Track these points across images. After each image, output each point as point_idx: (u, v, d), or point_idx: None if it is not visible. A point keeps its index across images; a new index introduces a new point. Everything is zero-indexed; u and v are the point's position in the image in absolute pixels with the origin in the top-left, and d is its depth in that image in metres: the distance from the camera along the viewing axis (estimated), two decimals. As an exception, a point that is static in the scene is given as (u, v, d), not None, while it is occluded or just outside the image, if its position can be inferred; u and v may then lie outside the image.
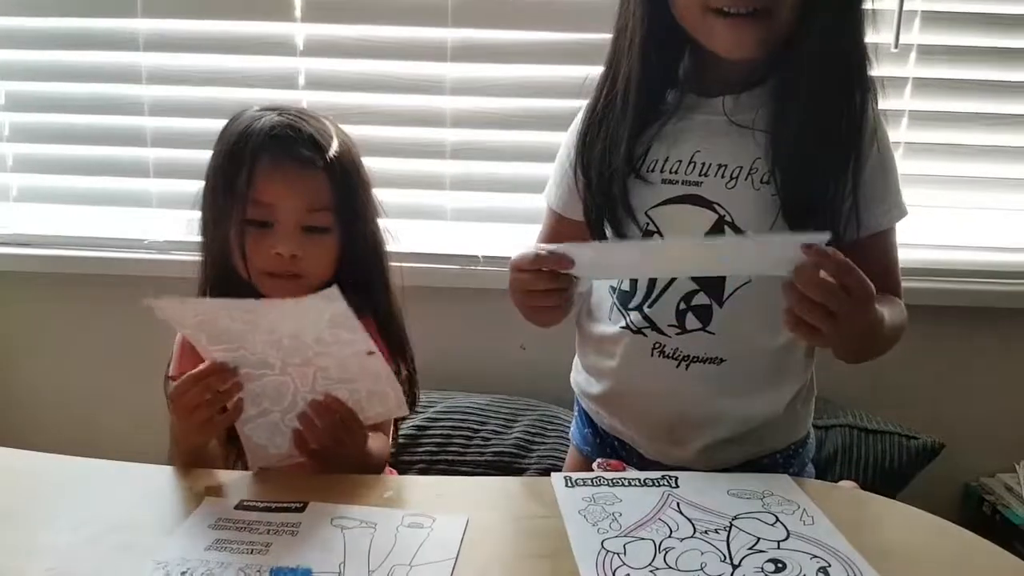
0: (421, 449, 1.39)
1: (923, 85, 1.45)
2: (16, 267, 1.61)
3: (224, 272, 0.99)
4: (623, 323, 0.96)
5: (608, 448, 1.05)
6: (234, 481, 0.86)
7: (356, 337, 0.82)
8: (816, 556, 0.71)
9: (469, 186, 1.54)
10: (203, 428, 0.86)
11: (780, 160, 0.89)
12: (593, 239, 0.97)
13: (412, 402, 1.05)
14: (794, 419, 1.00)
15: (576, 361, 1.08)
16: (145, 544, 0.73)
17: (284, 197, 0.95)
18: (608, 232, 0.96)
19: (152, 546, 0.73)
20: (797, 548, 0.73)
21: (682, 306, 0.93)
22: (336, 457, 0.88)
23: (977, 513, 1.52)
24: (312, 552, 0.72)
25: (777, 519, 0.77)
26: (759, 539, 0.74)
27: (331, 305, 0.78)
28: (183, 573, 0.69)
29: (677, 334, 0.93)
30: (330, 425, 0.87)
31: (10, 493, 0.84)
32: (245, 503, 0.81)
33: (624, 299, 0.97)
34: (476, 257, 1.56)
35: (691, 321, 0.93)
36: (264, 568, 0.70)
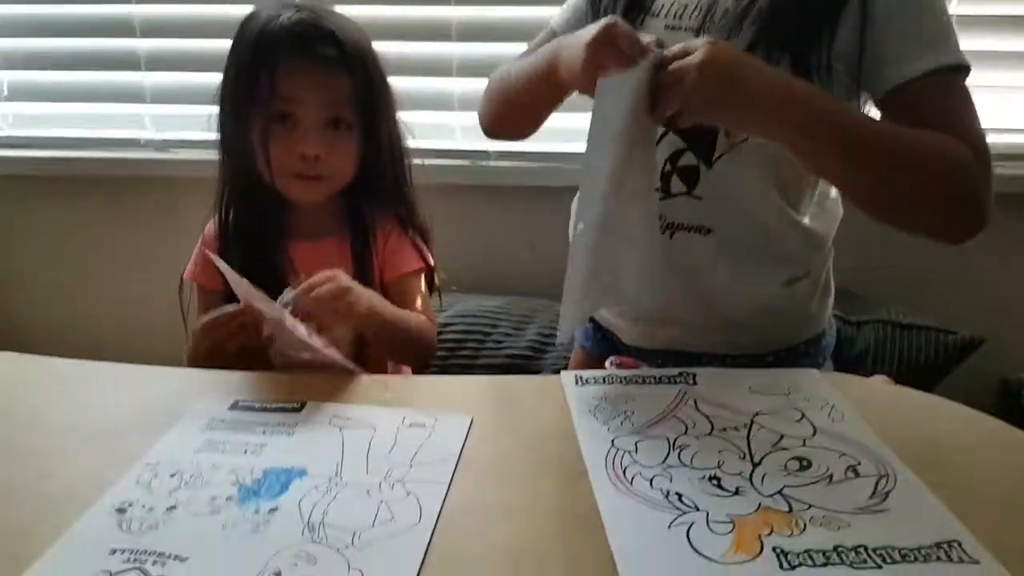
0: (432, 354, 1.35)
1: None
2: (8, 170, 1.56)
3: (245, 175, 0.98)
4: None
5: (602, 339, 1.02)
6: (231, 381, 0.82)
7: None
8: (845, 454, 0.66)
9: (477, 72, 1.44)
10: (222, 358, 0.86)
11: None
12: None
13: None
14: (799, 314, 0.94)
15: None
16: (137, 447, 0.69)
17: (307, 95, 0.93)
18: None
19: (144, 449, 0.69)
20: (824, 445, 0.68)
21: (668, 167, 0.88)
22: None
23: (1015, 407, 1.45)
24: (308, 452, 0.68)
25: (803, 415, 0.72)
26: (783, 436, 0.69)
27: None
28: (172, 475, 0.65)
29: (661, 198, 0.89)
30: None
31: (6, 396, 0.81)
32: (240, 403, 0.77)
33: None
34: (486, 152, 1.48)
35: (676, 184, 0.88)
36: (257, 469, 0.66)
